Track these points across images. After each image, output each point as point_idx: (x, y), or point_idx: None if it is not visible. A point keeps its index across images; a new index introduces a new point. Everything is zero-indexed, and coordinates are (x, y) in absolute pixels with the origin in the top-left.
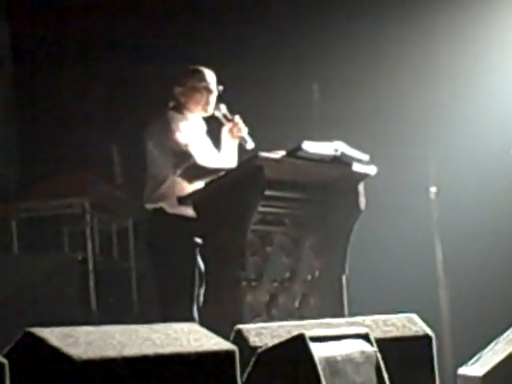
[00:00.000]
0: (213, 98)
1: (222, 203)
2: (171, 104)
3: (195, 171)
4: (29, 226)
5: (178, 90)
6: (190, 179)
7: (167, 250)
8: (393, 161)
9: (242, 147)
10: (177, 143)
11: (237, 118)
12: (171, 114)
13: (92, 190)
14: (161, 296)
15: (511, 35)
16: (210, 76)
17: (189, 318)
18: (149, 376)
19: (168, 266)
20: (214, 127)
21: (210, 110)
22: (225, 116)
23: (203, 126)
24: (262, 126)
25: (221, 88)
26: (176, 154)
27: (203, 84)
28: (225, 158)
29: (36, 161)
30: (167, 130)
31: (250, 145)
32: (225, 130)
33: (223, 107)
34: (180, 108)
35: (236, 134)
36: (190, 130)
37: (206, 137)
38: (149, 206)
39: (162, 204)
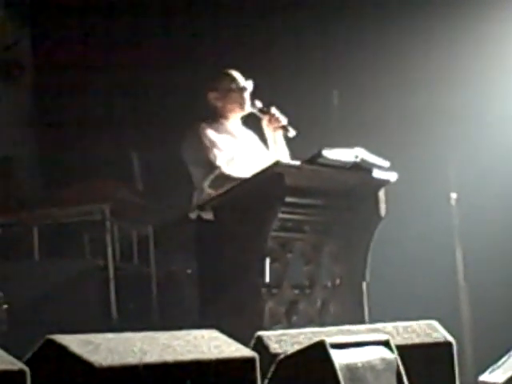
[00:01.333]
0: (247, 95)
1: (241, 210)
2: (210, 114)
3: (222, 181)
4: (50, 232)
5: (212, 95)
6: (217, 189)
7: (206, 257)
8: (413, 167)
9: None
10: (205, 157)
11: (273, 110)
12: (203, 125)
13: (113, 196)
14: (201, 298)
15: None
16: (239, 76)
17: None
18: (169, 383)
19: (207, 271)
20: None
21: (248, 108)
22: (260, 110)
23: (244, 130)
24: None
25: (251, 83)
26: (203, 165)
27: (235, 84)
28: (274, 152)
29: (57, 168)
30: (197, 142)
31: (292, 133)
32: (264, 124)
33: (258, 102)
34: (215, 117)
35: (275, 126)
36: (225, 138)
37: (253, 139)
38: (191, 215)
39: (200, 213)
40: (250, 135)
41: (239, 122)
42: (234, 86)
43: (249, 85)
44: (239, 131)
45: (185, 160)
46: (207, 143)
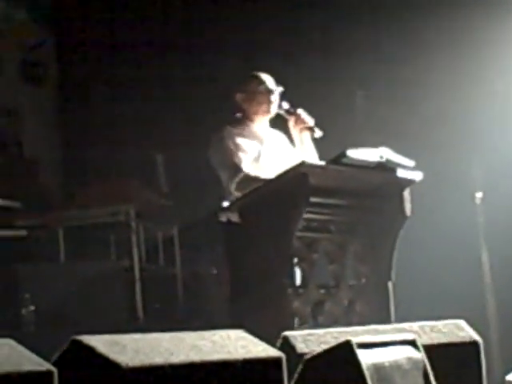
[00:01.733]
0: (274, 97)
1: (267, 210)
2: (236, 116)
3: (247, 183)
4: (75, 234)
5: (239, 96)
6: (243, 191)
7: (233, 258)
8: (438, 166)
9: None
10: (229, 158)
11: (299, 111)
12: (228, 129)
13: (137, 197)
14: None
15: None
16: (268, 79)
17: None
18: (196, 383)
19: (234, 272)
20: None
21: (274, 110)
22: (287, 111)
23: (272, 132)
24: None
25: (280, 88)
26: (228, 168)
27: (263, 86)
28: (301, 153)
29: (82, 169)
30: (222, 146)
31: (318, 134)
32: (291, 125)
33: (285, 104)
34: (242, 119)
35: (302, 127)
36: (251, 141)
37: (280, 141)
38: (220, 218)
39: (229, 215)
40: (278, 137)
41: (266, 123)
42: (261, 88)
43: (277, 88)
44: (266, 133)
45: (212, 165)
46: (232, 146)
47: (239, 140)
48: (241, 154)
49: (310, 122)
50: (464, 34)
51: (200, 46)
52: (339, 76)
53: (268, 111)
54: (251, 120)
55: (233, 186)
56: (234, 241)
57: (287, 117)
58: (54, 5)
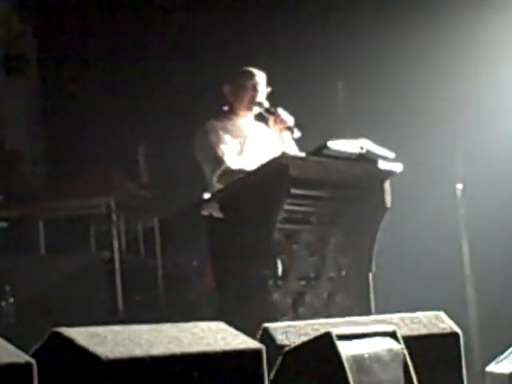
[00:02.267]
0: (259, 96)
1: (247, 202)
2: (220, 109)
3: (229, 176)
4: (55, 225)
5: (227, 88)
6: (225, 184)
7: (217, 254)
8: (419, 158)
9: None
10: (212, 153)
11: (279, 110)
12: (212, 122)
13: (118, 189)
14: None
15: None
16: (259, 76)
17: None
18: (176, 375)
19: (219, 262)
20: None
21: (255, 109)
22: (267, 110)
23: (257, 126)
24: None
25: (269, 89)
26: (211, 161)
27: (251, 82)
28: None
29: (62, 160)
30: (205, 140)
31: (297, 134)
32: (271, 125)
33: (265, 102)
34: (227, 112)
35: (280, 126)
36: (233, 134)
37: (264, 135)
38: (202, 212)
39: (211, 210)
40: (262, 131)
41: (251, 118)
42: (248, 83)
43: (265, 88)
44: (250, 127)
45: (196, 158)
46: (215, 140)
47: (222, 134)
48: (223, 147)
49: (290, 121)
50: (449, 26)
51: (182, 38)
52: (320, 67)
53: (249, 108)
54: (236, 114)
55: (215, 179)
56: (215, 233)
57: (267, 116)
58: None
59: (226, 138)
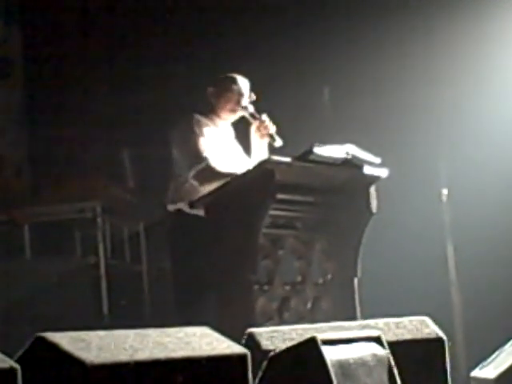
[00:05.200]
0: (243, 101)
1: (233, 206)
2: (201, 107)
3: (208, 174)
4: (41, 230)
5: (210, 90)
6: (202, 182)
7: (185, 250)
8: (404, 163)
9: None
10: (194, 146)
11: (264, 117)
12: (197, 117)
13: (103, 194)
14: (176, 294)
15: None
16: (243, 83)
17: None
18: (161, 380)
19: (186, 266)
20: (244, 133)
21: (239, 113)
22: (252, 115)
23: (231, 132)
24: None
25: (253, 96)
26: (192, 155)
27: (236, 87)
28: (255, 158)
29: (48, 165)
30: (188, 132)
31: (279, 142)
32: (253, 129)
33: (250, 107)
34: (208, 112)
35: (264, 133)
36: (214, 135)
37: (235, 143)
38: (170, 207)
39: (181, 205)
40: (234, 139)
41: (229, 124)
42: (233, 87)
43: (249, 96)
44: (226, 132)
45: (172, 147)
46: (198, 133)
47: (205, 130)
48: (206, 144)
49: (272, 129)
50: (435, 31)
51: (165, 41)
52: (306, 72)
53: (233, 111)
54: (218, 115)
55: (192, 174)
56: (195, 235)
57: (251, 120)
58: (21, 1)
59: (209, 135)
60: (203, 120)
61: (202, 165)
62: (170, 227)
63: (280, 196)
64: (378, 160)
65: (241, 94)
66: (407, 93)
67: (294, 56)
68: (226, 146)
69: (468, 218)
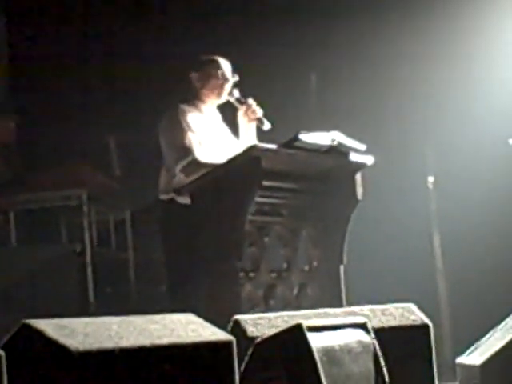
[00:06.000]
0: (228, 85)
1: (219, 194)
2: (187, 95)
3: (194, 167)
4: (27, 217)
5: (194, 75)
6: (188, 174)
7: (176, 239)
8: (391, 150)
9: (259, 130)
10: (179, 138)
11: (250, 101)
12: (182, 107)
13: (89, 181)
14: (169, 282)
15: (508, 24)
16: (225, 65)
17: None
18: (146, 367)
19: (177, 255)
20: (231, 116)
21: (224, 97)
22: (238, 100)
23: (218, 116)
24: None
25: (236, 77)
26: (177, 149)
27: (220, 71)
28: (244, 142)
29: (34, 153)
30: (174, 125)
31: (267, 126)
32: (240, 114)
33: (236, 92)
34: (193, 99)
35: (251, 117)
36: (201, 123)
37: (223, 126)
38: (162, 197)
39: (173, 195)
40: (220, 121)
41: (215, 107)
42: (217, 73)
43: (232, 77)
44: (213, 116)
45: (161, 142)
46: (184, 126)
47: (191, 119)
48: (191, 136)
49: (260, 113)
50: (422, 21)
51: (151, 28)
52: (292, 59)
53: (219, 97)
54: (202, 101)
55: (178, 168)
56: (180, 222)
57: (238, 105)
58: None
59: (194, 124)
60: (188, 108)
61: (188, 158)
62: (162, 217)
63: (266, 183)
64: (363, 147)
65: (225, 79)
66: (394, 80)
67: (281, 42)
68: (212, 131)
69: (454, 206)
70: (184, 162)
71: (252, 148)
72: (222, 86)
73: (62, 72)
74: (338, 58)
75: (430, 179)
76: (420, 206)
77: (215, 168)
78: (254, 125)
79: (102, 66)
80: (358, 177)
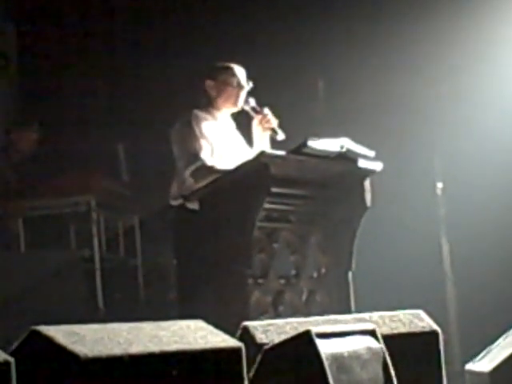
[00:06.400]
0: (243, 93)
1: (227, 200)
2: (202, 101)
3: (203, 172)
4: (35, 224)
5: (209, 83)
6: (197, 180)
7: (187, 245)
8: (399, 157)
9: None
10: (190, 144)
11: (266, 110)
12: (195, 113)
13: (98, 187)
14: (179, 288)
15: None
16: (240, 72)
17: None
18: (155, 374)
19: (188, 261)
20: (246, 123)
21: (240, 105)
22: (253, 109)
23: (232, 124)
24: None
25: (251, 84)
26: (188, 154)
27: (235, 79)
28: (257, 151)
29: (42, 159)
30: (186, 130)
31: (281, 136)
32: (255, 123)
33: (252, 100)
34: (208, 106)
35: (266, 126)
36: (215, 130)
37: (237, 134)
38: (173, 203)
39: (185, 202)
40: (236, 132)
41: (229, 115)
42: (233, 81)
43: (248, 84)
44: (227, 124)
45: (172, 147)
46: (196, 133)
47: (204, 126)
48: (202, 142)
49: (274, 123)
50: (428, 26)
51: (164, 35)
52: (300, 65)
53: (234, 105)
54: (217, 108)
55: (187, 173)
56: (190, 228)
57: (253, 114)
58: None
59: (207, 131)
60: (202, 115)
61: (197, 164)
62: (172, 222)
63: (275, 190)
64: (372, 153)
65: (241, 87)
66: (403, 86)
67: (290, 49)
68: (226, 138)
69: (463, 212)
70: (193, 168)
71: (261, 154)
72: (237, 94)
73: (71, 78)
74: (346, 64)
75: (439, 185)
76: (429, 212)
77: (224, 174)
78: (268, 134)
79: (113, 71)
80: (367, 183)
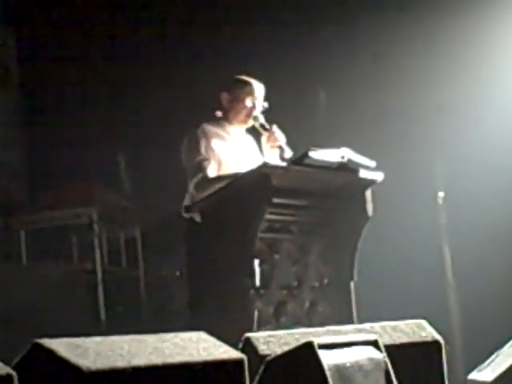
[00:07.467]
0: (255, 112)
1: (229, 211)
2: (216, 114)
3: (205, 185)
4: (37, 236)
5: (224, 96)
6: (200, 192)
7: (196, 257)
8: (400, 166)
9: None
10: (195, 156)
11: (274, 128)
12: (203, 127)
13: (100, 199)
14: (190, 300)
15: None
16: (258, 90)
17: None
18: None
19: (193, 273)
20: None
21: (249, 122)
22: (262, 126)
23: (246, 137)
24: None
25: (266, 105)
26: (192, 167)
27: (250, 98)
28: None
29: (44, 171)
30: (192, 143)
31: (288, 153)
32: (263, 140)
33: (261, 117)
34: (221, 118)
35: (273, 144)
36: (225, 143)
37: (252, 147)
38: (184, 215)
39: (192, 214)
40: (250, 143)
41: (243, 129)
42: (246, 98)
43: (262, 105)
44: (239, 137)
45: (182, 160)
46: (201, 146)
47: (213, 139)
48: (208, 155)
49: (282, 140)
50: (429, 35)
51: (165, 44)
52: (301, 75)
53: (245, 122)
54: (229, 122)
55: (191, 186)
56: (195, 240)
57: (261, 131)
58: (15, 6)
59: (215, 144)
60: (212, 129)
61: (199, 176)
62: (184, 234)
63: (276, 200)
64: (373, 163)
65: (254, 107)
66: (403, 96)
67: (291, 59)
68: (236, 152)
69: (464, 221)
70: (195, 180)
71: (262, 165)
72: (247, 113)
73: (73, 89)
74: (346, 75)
75: (440, 194)
76: (430, 221)
77: (225, 185)
78: (276, 151)
79: (115, 81)
80: (368, 193)
